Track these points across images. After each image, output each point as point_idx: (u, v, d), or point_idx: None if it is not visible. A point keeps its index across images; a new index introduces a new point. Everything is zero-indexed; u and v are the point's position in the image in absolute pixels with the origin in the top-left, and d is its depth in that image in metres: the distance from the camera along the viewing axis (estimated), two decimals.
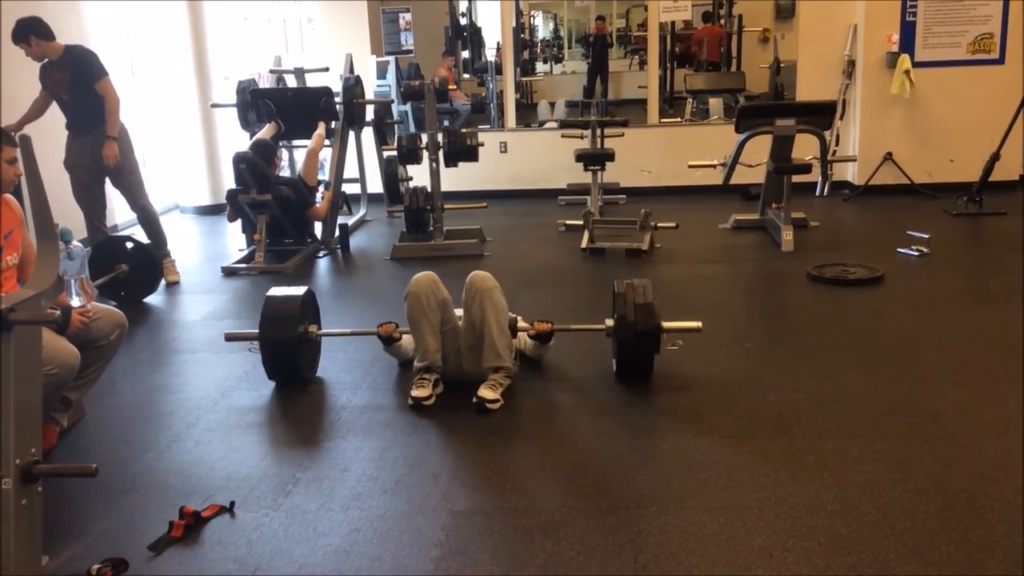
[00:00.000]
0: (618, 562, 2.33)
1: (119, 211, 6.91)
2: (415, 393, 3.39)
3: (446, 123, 8.02)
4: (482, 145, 5.93)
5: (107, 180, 5.26)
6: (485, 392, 3.33)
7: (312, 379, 3.73)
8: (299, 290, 3.70)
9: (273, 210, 5.71)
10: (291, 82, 7.13)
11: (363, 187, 7.33)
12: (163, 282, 5.25)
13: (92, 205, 5.26)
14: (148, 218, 5.41)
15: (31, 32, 4.84)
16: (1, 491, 2.20)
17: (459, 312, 3.58)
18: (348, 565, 2.37)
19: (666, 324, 3.44)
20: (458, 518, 2.59)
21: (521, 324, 3.68)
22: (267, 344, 3.56)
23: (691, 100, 9.78)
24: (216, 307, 4.95)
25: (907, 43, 7.03)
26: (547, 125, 9.07)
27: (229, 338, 3.74)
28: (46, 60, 4.99)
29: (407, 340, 3.65)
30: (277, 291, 3.73)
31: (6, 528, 2.20)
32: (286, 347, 3.55)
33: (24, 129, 4.90)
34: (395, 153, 6.22)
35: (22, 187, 2.74)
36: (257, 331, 3.58)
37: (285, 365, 3.60)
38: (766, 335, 4.21)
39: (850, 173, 7.44)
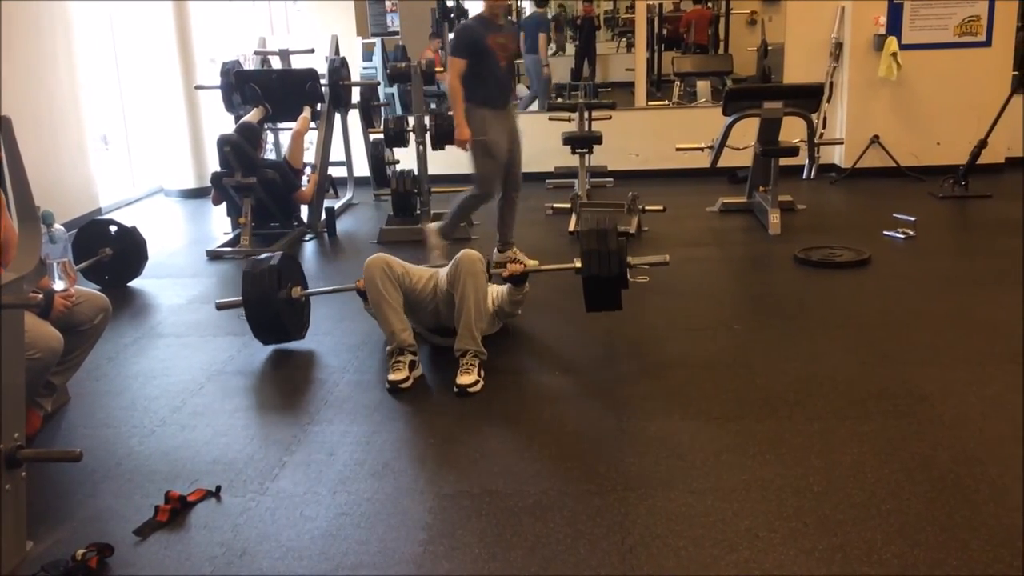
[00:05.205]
0: (606, 544, 2.33)
1: (103, 194, 6.86)
2: (392, 377, 3.40)
3: (433, 106, 7.96)
4: None
5: None
6: (463, 379, 3.35)
7: (303, 338, 3.93)
8: (276, 254, 3.86)
9: (258, 193, 5.67)
10: (276, 64, 7.07)
11: (349, 170, 7.28)
12: (146, 265, 5.19)
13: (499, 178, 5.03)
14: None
15: None
16: None
17: (433, 269, 3.70)
18: (335, 549, 2.37)
19: (632, 259, 3.55)
20: (445, 501, 2.59)
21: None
22: (250, 306, 3.72)
23: (679, 83, 9.76)
24: (201, 291, 4.92)
25: (894, 25, 7.02)
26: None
27: (220, 307, 3.96)
28: (495, 19, 4.71)
29: None
30: (256, 257, 3.91)
31: None
32: (269, 308, 3.70)
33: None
34: (382, 136, 6.18)
35: (3, 169, 2.71)
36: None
37: (270, 325, 3.76)
38: (753, 318, 4.21)
39: (837, 156, 7.44)
